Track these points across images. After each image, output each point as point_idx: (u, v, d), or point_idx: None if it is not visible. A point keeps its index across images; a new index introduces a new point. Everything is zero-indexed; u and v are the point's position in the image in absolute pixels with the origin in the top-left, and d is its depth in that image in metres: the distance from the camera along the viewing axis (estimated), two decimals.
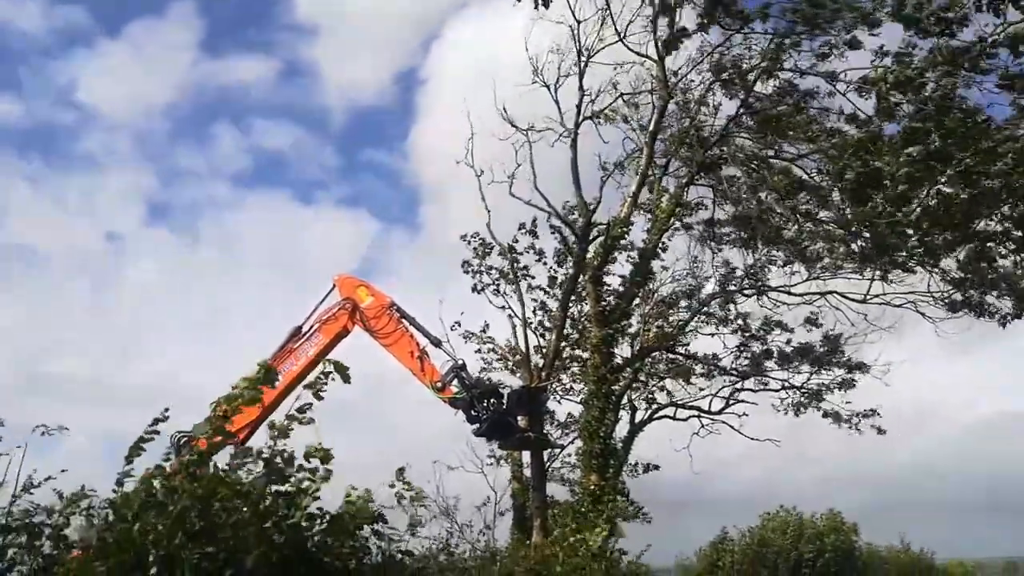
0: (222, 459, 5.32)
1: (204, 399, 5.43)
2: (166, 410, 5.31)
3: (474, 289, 19.98)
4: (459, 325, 19.65)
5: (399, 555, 6.19)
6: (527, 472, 17.35)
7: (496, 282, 19.89)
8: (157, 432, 5.32)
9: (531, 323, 19.39)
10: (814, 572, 22.61)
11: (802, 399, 22.06)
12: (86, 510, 5.14)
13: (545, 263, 20.12)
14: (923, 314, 19.69)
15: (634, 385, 21.67)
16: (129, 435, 5.28)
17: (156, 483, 4.79)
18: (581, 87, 17.93)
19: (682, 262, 21.28)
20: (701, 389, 22.91)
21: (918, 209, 13.92)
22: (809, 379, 22.06)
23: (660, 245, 19.28)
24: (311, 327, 11.39)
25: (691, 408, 22.91)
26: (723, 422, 22.80)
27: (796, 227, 19.42)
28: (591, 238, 17.74)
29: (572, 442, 21.21)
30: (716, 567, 23.58)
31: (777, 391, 22.42)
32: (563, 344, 18.91)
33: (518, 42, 17.77)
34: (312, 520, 5.17)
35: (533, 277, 20.10)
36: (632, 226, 18.68)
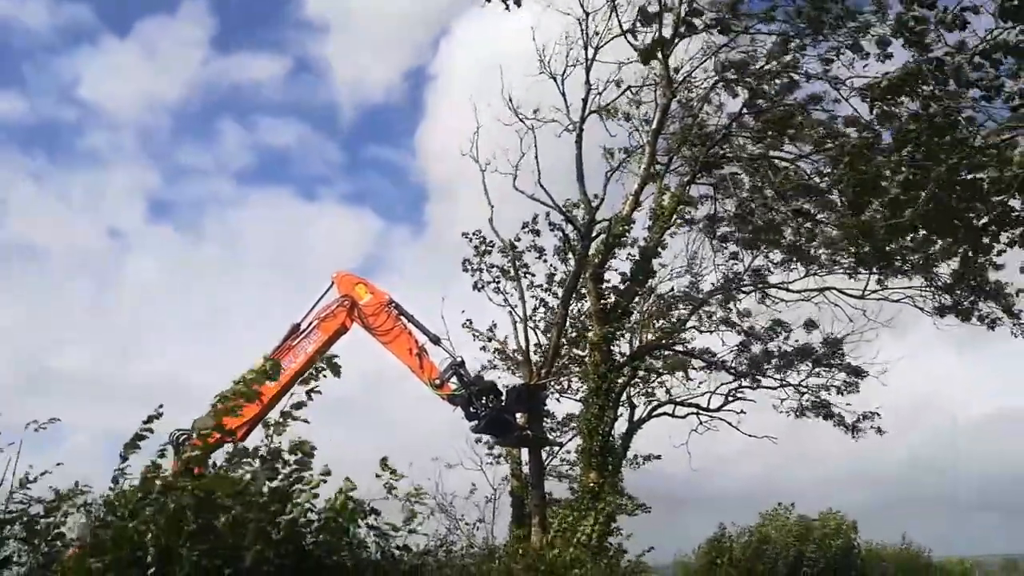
0: (219, 457, 5.34)
1: (205, 398, 5.45)
2: (160, 407, 5.32)
3: (475, 287, 20.03)
4: (471, 322, 19.65)
5: (396, 551, 6.19)
6: (526, 469, 17.37)
7: (496, 280, 19.91)
8: (151, 430, 5.33)
9: (531, 321, 19.41)
10: (813, 570, 22.62)
11: (804, 403, 22.07)
12: (81, 506, 5.15)
13: (546, 260, 20.13)
14: (921, 308, 19.79)
15: (633, 382, 21.69)
16: (127, 432, 5.30)
17: (157, 482, 4.80)
18: (588, 80, 17.88)
19: (682, 260, 21.31)
20: (700, 383, 22.96)
21: (913, 212, 13.92)
22: (806, 378, 22.08)
23: (661, 243, 19.27)
24: (310, 324, 11.39)
25: (690, 405, 22.94)
26: (721, 419, 22.84)
27: (796, 228, 19.42)
28: (594, 235, 17.70)
29: (571, 439, 21.31)
30: (715, 564, 23.59)
31: (775, 389, 22.46)
32: (563, 341, 18.89)
33: (526, 38, 17.87)
34: (308, 516, 5.18)
35: (534, 275, 20.12)
36: (634, 224, 18.72)
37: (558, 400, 21.90)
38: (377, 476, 5.78)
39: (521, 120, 18.07)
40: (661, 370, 22.76)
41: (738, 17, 16.39)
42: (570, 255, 18.89)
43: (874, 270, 19.02)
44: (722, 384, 22.84)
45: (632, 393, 22.04)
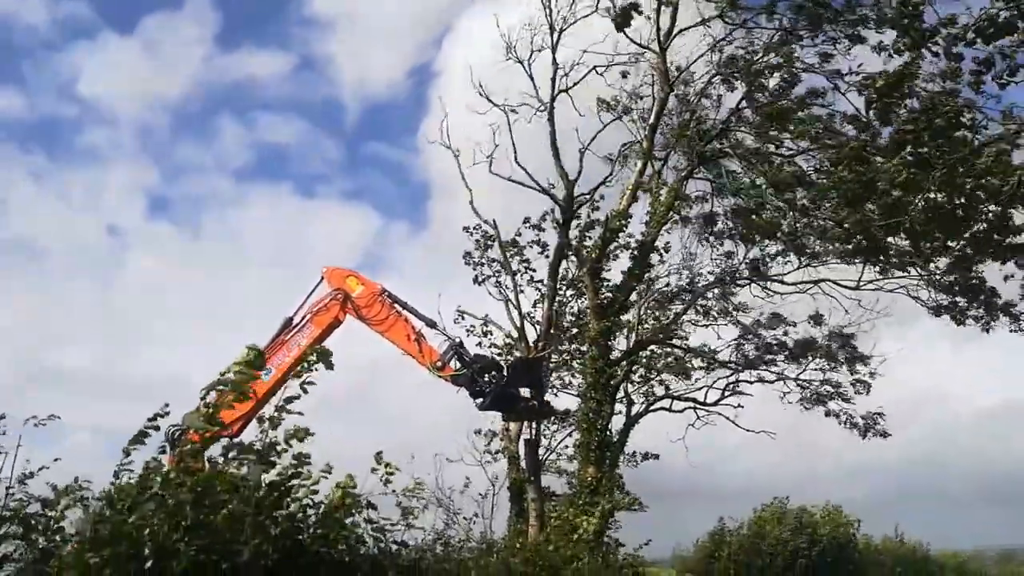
0: (215, 451, 5.32)
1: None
2: (166, 406, 5.31)
3: (475, 281, 20.00)
4: (463, 316, 19.51)
5: (394, 546, 6.18)
6: (523, 466, 17.36)
7: (497, 274, 19.86)
8: (156, 427, 5.33)
9: (530, 315, 19.38)
10: (810, 563, 22.72)
11: (808, 396, 22.08)
12: (79, 501, 5.14)
13: (548, 256, 20.06)
14: (916, 298, 19.78)
15: (631, 377, 21.70)
16: (127, 430, 5.30)
17: (157, 478, 4.80)
18: (555, 60, 18.25)
19: (679, 255, 21.29)
20: (697, 379, 22.98)
21: (912, 213, 13.94)
22: (803, 371, 22.11)
23: (659, 238, 19.28)
24: (303, 318, 11.34)
25: (687, 400, 22.96)
26: (719, 414, 22.88)
27: (792, 221, 19.40)
28: (574, 208, 18.08)
29: (570, 434, 21.30)
30: (713, 559, 23.68)
31: (773, 383, 22.47)
32: (553, 313, 18.97)
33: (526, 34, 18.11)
34: (305, 511, 5.17)
35: (535, 270, 20.03)
36: (631, 219, 18.71)
37: (556, 395, 21.90)
38: (373, 471, 5.77)
39: (495, 105, 18.39)
40: (659, 368, 22.81)
41: (736, 9, 16.40)
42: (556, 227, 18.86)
43: (870, 260, 18.95)
44: (719, 379, 22.91)
45: (630, 388, 22.08)
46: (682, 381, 23.10)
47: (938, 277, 18.69)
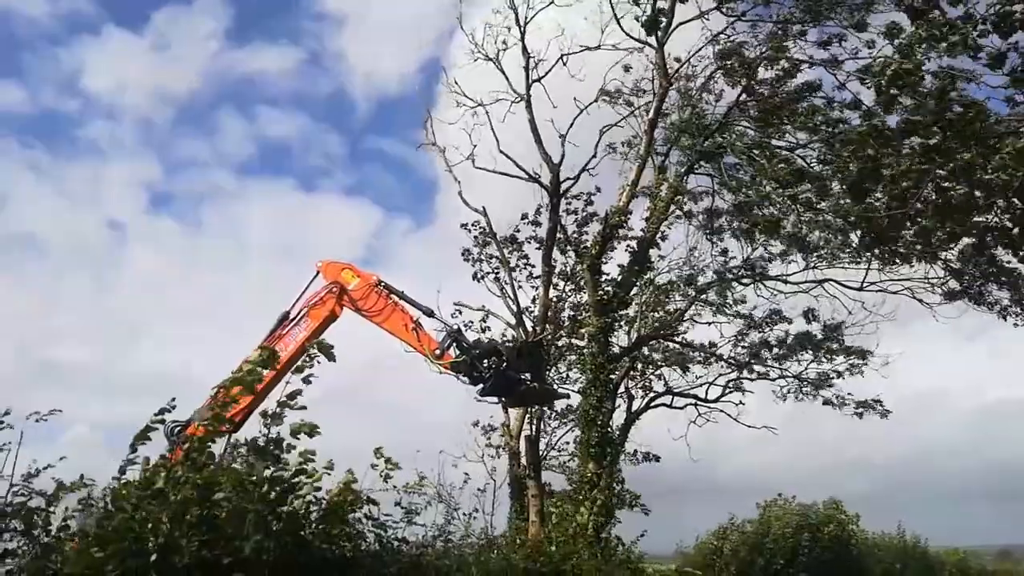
0: (217, 447, 5.28)
1: (206, 389, 5.38)
2: (172, 400, 5.27)
3: (474, 277, 19.95)
4: (460, 312, 19.47)
5: (395, 543, 6.15)
6: (523, 462, 17.33)
7: (496, 271, 19.81)
8: (163, 421, 5.31)
9: (529, 310, 19.34)
10: (810, 560, 22.70)
11: (802, 386, 22.07)
12: (82, 499, 5.11)
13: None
14: (920, 300, 19.71)
15: (631, 374, 21.65)
16: (128, 425, 5.25)
17: (162, 474, 4.76)
18: (524, 50, 18.48)
19: (680, 250, 21.26)
20: (698, 377, 22.94)
21: (917, 204, 13.86)
22: (806, 368, 22.09)
23: (659, 234, 19.23)
24: (299, 312, 11.28)
25: (688, 396, 22.93)
26: (720, 410, 22.84)
27: (795, 216, 19.33)
28: (561, 193, 18.25)
29: (570, 430, 21.27)
30: (716, 555, 23.66)
31: (775, 380, 22.44)
32: (551, 299, 18.98)
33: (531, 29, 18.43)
34: (308, 507, 5.14)
35: (534, 266, 19.97)
36: (631, 214, 18.64)
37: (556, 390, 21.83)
38: (373, 466, 5.74)
39: (476, 102, 18.64)
40: (659, 363, 22.76)
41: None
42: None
43: (875, 252, 18.80)
44: (720, 375, 22.87)
45: (630, 385, 22.04)
46: (683, 377, 23.08)
47: (954, 266, 18.39)
